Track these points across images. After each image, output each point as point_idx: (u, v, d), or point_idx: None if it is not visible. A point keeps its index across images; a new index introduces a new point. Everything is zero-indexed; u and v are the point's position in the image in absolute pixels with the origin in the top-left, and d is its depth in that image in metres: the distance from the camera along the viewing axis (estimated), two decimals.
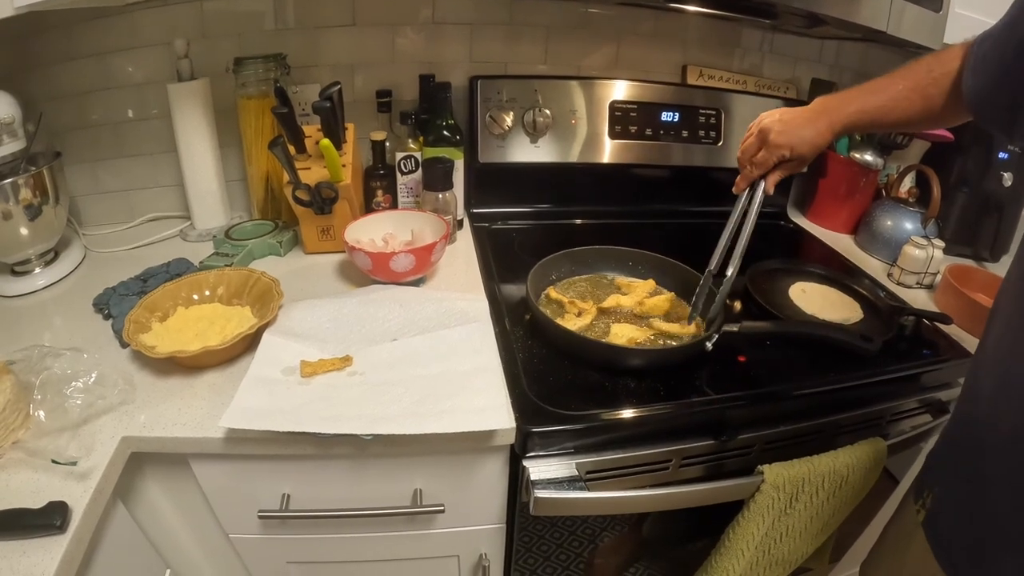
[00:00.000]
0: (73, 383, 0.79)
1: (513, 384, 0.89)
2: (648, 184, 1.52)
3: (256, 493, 0.88)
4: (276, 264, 1.22)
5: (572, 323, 1.02)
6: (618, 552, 1.09)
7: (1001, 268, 1.41)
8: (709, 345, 0.94)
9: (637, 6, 1.41)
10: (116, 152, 1.31)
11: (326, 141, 1.08)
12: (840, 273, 1.28)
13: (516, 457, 0.87)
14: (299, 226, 1.23)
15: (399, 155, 1.30)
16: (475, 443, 0.83)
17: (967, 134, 1.37)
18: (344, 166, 1.15)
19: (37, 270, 1.14)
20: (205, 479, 0.87)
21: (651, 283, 1.14)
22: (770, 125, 0.94)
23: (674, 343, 1.00)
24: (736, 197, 1.00)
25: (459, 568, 1.05)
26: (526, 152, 1.40)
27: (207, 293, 1.03)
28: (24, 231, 1.08)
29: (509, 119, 1.36)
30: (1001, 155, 1.36)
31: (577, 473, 0.85)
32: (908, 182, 1.51)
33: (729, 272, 0.96)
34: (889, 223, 1.42)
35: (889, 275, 1.34)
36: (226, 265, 1.14)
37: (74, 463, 0.72)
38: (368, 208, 1.33)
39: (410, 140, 1.30)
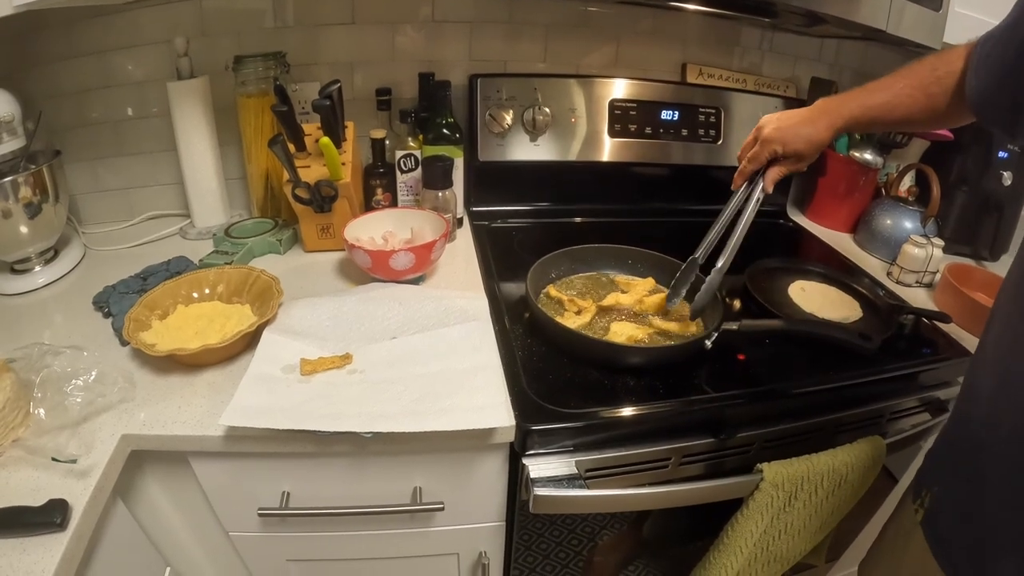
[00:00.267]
0: (73, 381, 0.79)
1: (513, 382, 0.89)
2: (648, 182, 1.52)
3: (256, 491, 0.89)
4: (276, 262, 1.22)
5: (572, 321, 1.02)
6: (617, 550, 1.09)
7: (1000, 267, 1.41)
8: (708, 343, 0.94)
9: (637, 4, 1.41)
10: (116, 150, 1.31)
11: (326, 139, 1.08)
12: (839, 272, 1.28)
13: (516, 455, 0.87)
14: (299, 224, 1.23)
15: (399, 153, 1.30)
16: (475, 441, 0.83)
17: (967, 133, 1.37)
18: (344, 164, 1.15)
19: (37, 268, 1.14)
20: (205, 477, 0.87)
21: (650, 281, 1.14)
22: (766, 122, 0.94)
23: (673, 342, 1.01)
24: (733, 193, 1.00)
25: (459, 566, 1.05)
26: (526, 150, 1.40)
27: (207, 291, 1.03)
28: (24, 229, 1.08)
29: (509, 117, 1.36)
30: (1001, 154, 1.37)
31: (576, 471, 0.85)
32: (908, 181, 1.51)
33: (720, 263, 0.96)
34: (888, 222, 1.42)
35: (888, 274, 1.34)
36: (226, 263, 1.14)
37: (74, 461, 0.72)
38: (368, 206, 1.33)
39: (410, 138, 1.30)
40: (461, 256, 1.28)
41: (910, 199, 1.44)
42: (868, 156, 1.48)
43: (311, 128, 1.20)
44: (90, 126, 1.27)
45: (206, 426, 0.80)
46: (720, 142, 1.49)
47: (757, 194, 0.96)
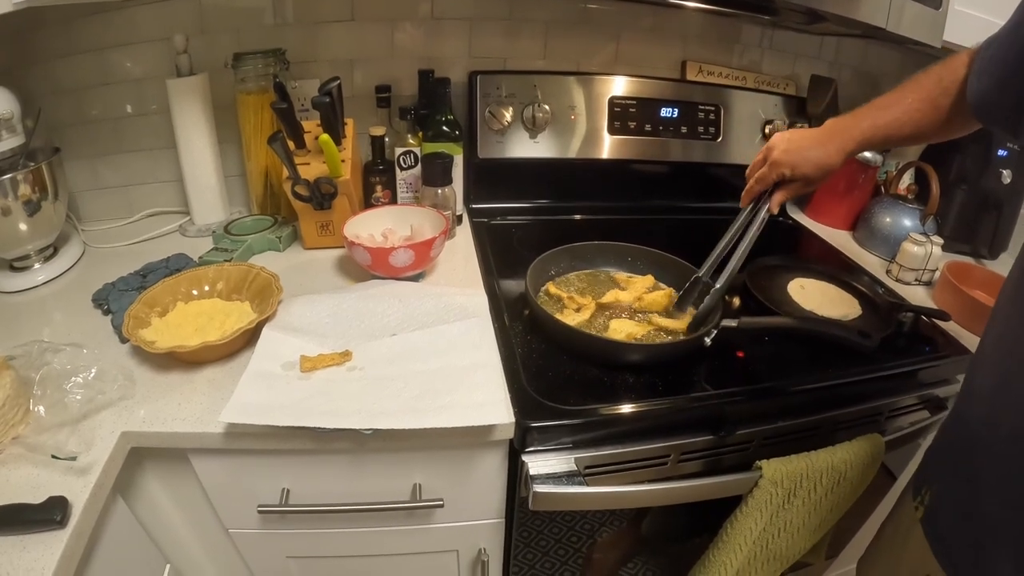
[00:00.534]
0: (73, 378, 0.79)
1: (512, 379, 0.89)
2: (647, 180, 1.52)
3: (256, 488, 0.89)
4: (275, 259, 1.22)
5: (571, 318, 1.02)
6: (616, 547, 1.09)
7: (999, 265, 1.41)
8: (708, 341, 0.94)
9: (637, 2, 1.41)
10: (115, 148, 1.31)
11: (325, 136, 1.08)
12: (839, 269, 1.28)
13: (515, 452, 0.87)
14: (298, 221, 1.23)
15: (398, 150, 1.30)
16: (474, 438, 0.83)
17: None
18: (343, 161, 1.15)
19: (36, 266, 1.14)
20: (205, 474, 0.87)
21: (650, 279, 1.14)
22: (776, 143, 0.94)
23: (672, 338, 1.01)
24: (740, 211, 1.00)
25: (458, 563, 1.05)
26: (525, 148, 1.40)
27: (206, 288, 1.03)
28: (23, 227, 1.07)
29: (508, 114, 1.36)
30: (1000, 152, 1.37)
31: (576, 468, 0.85)
32: (907, 179, 1.51)
33: (719, 284, 0.97)
34: (888, 220, 1.42)
35: (888, 272, 1.34)
36: (225, 260, 1.13)
37: (74, 458, 0.72)
38: (367, 203, 1.33)
39: (409, 135, 1.30)
40: (461, 253, 1.28)
41: (909, 197, 1.44)
42: (868, 154, 1.48)
43: (311, 125, 1.20)
44: (89, 123, 1.27)
45: (206, 423, 0.80)
46: (720, 139, 1.49)
47: (762, 215, 0.96)
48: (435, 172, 1.24)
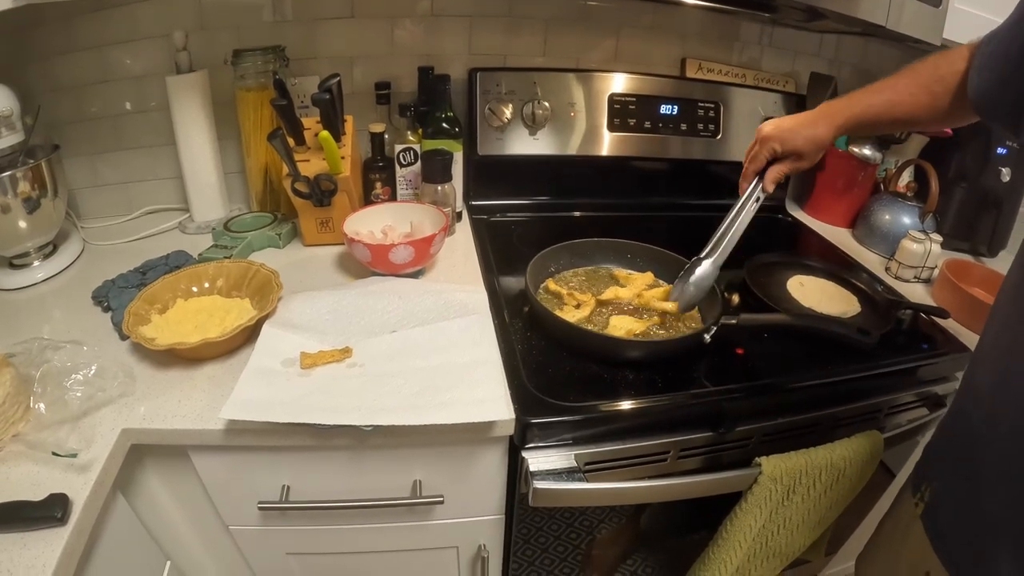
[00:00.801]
0: (73, 375, 0.79)
1: (512, 376, 0.90)
2: (647, 177, 1.52)
3: (256, 485, 0.89)
4: (275, 256, 1.22)
5: (571, 315, 1.02)
6: (616, 543, 1.10)
7: (998, 263, 1.42)
8: (707, 337, 0.94)
9: None
10: (115, 145, 1.31)
11: (325, 133, 1.08)
12: (838, 267, 1.29)
13: (515, 448, 0.87)
14: (298, 218, 1.23)
15: (398, 147, 1.30)
16: (474, 434, 0.83)
17: (965, 129, 1.35)
18: (343, 158, 1.14)
19: (36, 263, 1.14)
20: (205, 471, 0.87)
21: (649, 275, 1.14)
22: (766, 124, 0.94)
23: (670, 335, 1.01)
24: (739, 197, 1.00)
25: (458, 559, 1.05)
26: (525, 144, 1.40)
27: (206, 285, 1.03)
28: (22, 224, 1.07)
29: (508, 111, 1.36)
30: (999, 150, 1.37)
31: (576, 464, 0.86)
32: (906, 176, 1.51)
33: (714, 255, 0.97)
34: (887, 217, 1.42)
35: (887, 269, 1.34)
36: (225, 257, 1.13)
37: (74, 455, 0.72)
38: (367, 200, 1.33)
39: (409, 132, 1.30)
40: (460, 250, 1.28)
41: (909, 195, 1.44)
42: (867, 151, 1.48)
43: (310, 122, 1.20)
44: (89, 120, 1.26)
45: (206, 420, 0.80)
46: (719, 137, 1.49)
47: (756, 193, 0.96)
48: (435, 169, 1.24)
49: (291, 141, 1.14)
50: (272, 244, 1.25)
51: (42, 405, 0.76)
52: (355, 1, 1.29)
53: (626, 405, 0.87)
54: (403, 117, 1.29)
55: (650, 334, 1.01)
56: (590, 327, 1.01)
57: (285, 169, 1.12)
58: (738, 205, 0.97)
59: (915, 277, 1.29)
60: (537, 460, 0.85)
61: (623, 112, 1.43)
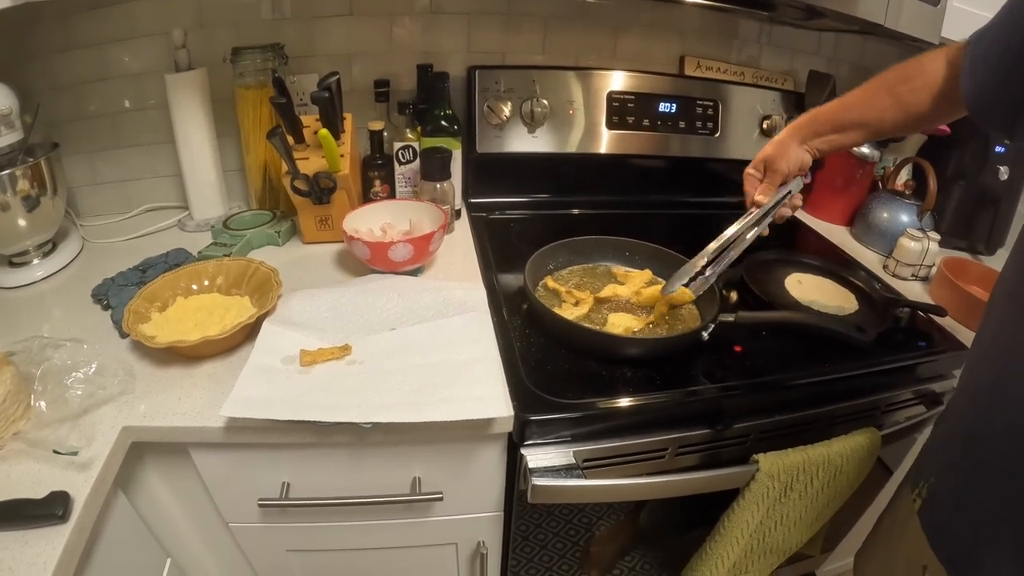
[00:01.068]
0: (73, 374, 0.79)
1: (511, 373, 0.90)
2: (645, 175, 1.52)
3: (256, 482, 0.89)
4: (274, 254, 1.23)
5: (569, 312, 1.03)
6: (614, 540, 1.10)
7: (996, 261, 1.42)
8: (705, 335, 0.94)
9: None
10: (114, 143, 1.30)
11: (324, 131, 1.08)
12: (836, 264, 1.29)
13: (514, 445, 0.88)
14: (297, 216, 1.24)
15: (397, 145, 1.30)
16: (473, 431, 0.84)
17: (964, 128, 1.37)
18: (342, 156, 1.15)
19: (35, 261, 1.14)
20: (205, 468, 0.88)
21: (647, 273, 1.15)
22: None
23: (667, 332, 1.01)
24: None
25: (457, 556, 1.06)
26: (524, 142, 1.40)
27: (206, 283, 1.03)
28: (22, 222, 1.07)
29: (507, 109, 1.36)
30: (998, 149, 1.37)
31: (574, 461, 0.86)
32: (904, 174, 1.51)
33: (707, 272, 0.97)
34: (885, 215, 1.42)
35: (885, 267, 1.34)
36: (224, 255, 1.14)
37: (75, 453, 0.72)
38: (366, 198, 1.33)
39: (408, 130, 1.30)
40: (459, 248, 1.29)
41: (907, 193, 1.44)
42: (865, 149, 1.48)
43: (309, 120, 1.20)
44: (88, 119, 1.26)
45: (206, 417, 0.81)
46: (718, 135, 1.49)
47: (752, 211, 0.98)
48: (434, 167, 1.24)
49: (290, 139, 1.14)
50: (271, 242, 1.26)
51: (43, 403, 0.76)
52: None
53: (624, 402, 0.88)
54: (402, 115, 1.29)
55: (648, 331, 1.01)
56: (588, 324, 1.01)
57: (284, 167, 1.12)
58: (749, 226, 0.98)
59: (913, 275, 1.29)
60: (536, 457, 0.86)
61: (622, 110, 1.43)
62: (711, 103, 1.48)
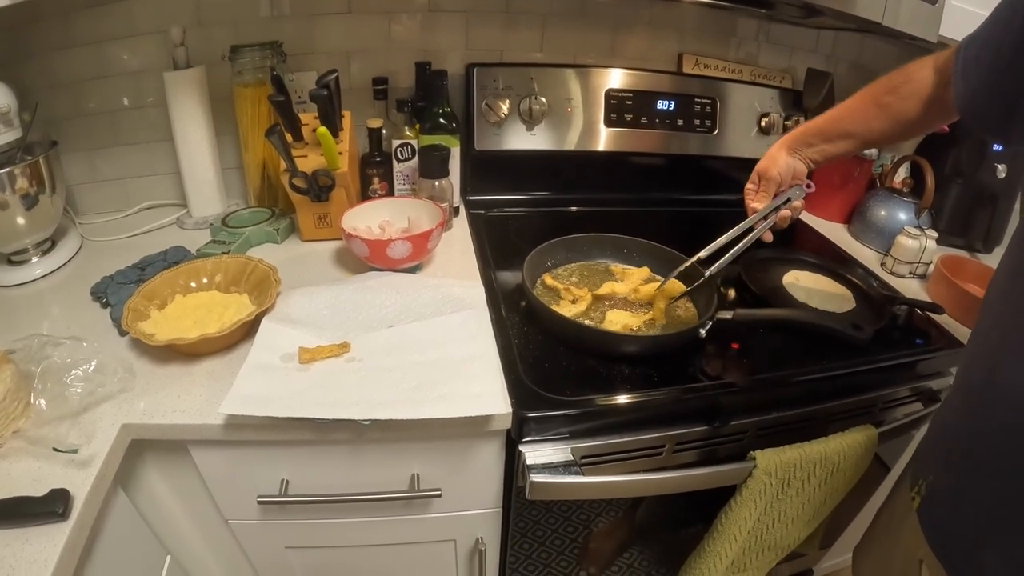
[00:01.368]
0: (73, 371, 0.79)
1: (509, 370, 0.90)
2: (643, 172, 1.53)
3: (255, 479, 0.89)
4: (273, 251, 1.23)
5: (567, 310, 1.03)
6: (612, 537, 1.10)
7: (994, 259, 1.42)
8: (703, 332, 0.95)
9: None
10: (112, 140, 1.30)
11: (323, 129, 1.08)
12: (833, 262, 1.29)
13: (512, 442, 0.88)
14: (296, 214, 1.24)
15: (395, 143, 1.29)
16: (472, 428, 0.84)
17: (962, 126, 1.37)
18: (341, 154, 1.15)
19: (34, 259, 1.14)
20: (204, 465, 0.88)
21: (645, 270, 1.15)
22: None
23: (664, 330, 1.01)
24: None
25: (456, 552, 1.06)
26: (522, 140, 1.41)
27: (205, 281, 1.03)
28: (21, 220, 1.08)
29: (505, 107, 1.36)
30: (995, 147, 1.37)
31: (572, 458, 0.86)
32: (902, 172, 1.51)
33: (706, 272, 0.99)
34: (883, 213, 1.43)
35: (882, 265, 1.35)
36: (223, 253, 1.14)
37: (75, 451, 0.72)
38: (364, 195, 1.33)
39: (406, 128, 1.30)
40: (458, 245, 1.29)
41: (905, 190, 1.44)
42: None
43: (308, 118, 1.20)
44: (86, 116, 1.26)
45: (206, 415, 0.81)
46: (716, 132, 1.49)
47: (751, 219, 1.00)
48: (432, 164, 1.24)
49: (289, 137, 1.14)
50: (270, 240, 1.26)
51: (42, 401, 0.77)
52: None
53: (622, 399, 0.88)
54: (400, 112, 1.29)
55: (646, 328, 1.02)
56: (586, 322, 1.02)
57: (283, 165, 1.12)
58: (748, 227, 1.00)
59: (910, 273, 1.30)
60: (534, 454, 0.86)
61: (620, 108, 1.43)
62: (709, 101, 1.48)
